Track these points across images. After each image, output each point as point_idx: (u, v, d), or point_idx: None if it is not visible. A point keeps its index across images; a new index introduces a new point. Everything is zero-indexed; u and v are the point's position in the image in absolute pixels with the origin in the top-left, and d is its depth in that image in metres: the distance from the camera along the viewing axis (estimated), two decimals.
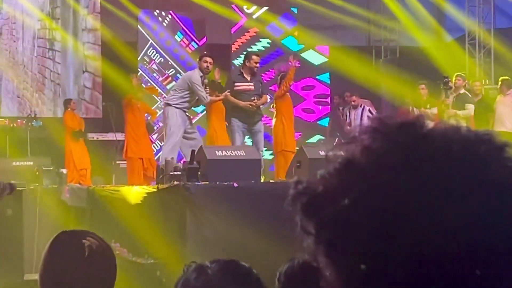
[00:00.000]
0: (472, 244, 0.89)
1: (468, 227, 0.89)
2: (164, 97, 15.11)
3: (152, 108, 15.90)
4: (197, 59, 12.33)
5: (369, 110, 14.90)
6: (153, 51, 17.98)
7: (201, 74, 11.64)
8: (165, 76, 18.06)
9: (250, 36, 18.09)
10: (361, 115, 14.82)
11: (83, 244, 2.68)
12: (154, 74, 17.99)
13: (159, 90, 17.40)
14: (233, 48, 17.98)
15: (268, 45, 18.06)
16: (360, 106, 14.95)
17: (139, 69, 17.46)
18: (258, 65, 12.08)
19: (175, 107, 11.64)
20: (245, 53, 13.27)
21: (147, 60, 18.00)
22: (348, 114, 15.05)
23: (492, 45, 17.34)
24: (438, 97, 13.82)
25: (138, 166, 13.64)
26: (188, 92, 11.62)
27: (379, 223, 0.91)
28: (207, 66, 11.64)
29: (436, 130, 0.96)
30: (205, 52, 13.01)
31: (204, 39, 18.00)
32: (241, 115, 12.06)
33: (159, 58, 17.98)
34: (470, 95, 13.78)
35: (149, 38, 17.85)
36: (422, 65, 16.37)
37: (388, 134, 0.95)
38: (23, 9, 18.04)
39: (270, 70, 17.05)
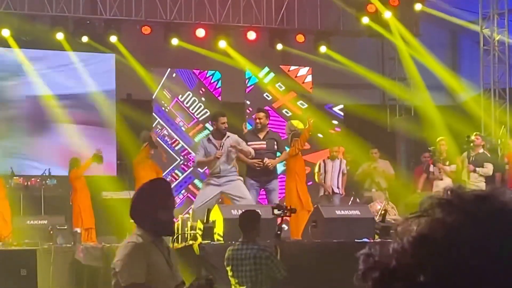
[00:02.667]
0: None
1: None
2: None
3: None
4: (212, 121, 12.27)
5: (346, 164, 14.90)
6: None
7: (211, 137, 11.79)
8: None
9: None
10: (339, 167, 14.66)
11: None
12: (177, 120, 16.50)
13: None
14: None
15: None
16: (338, 159, 14.84)
17: (154, 114, 16.55)
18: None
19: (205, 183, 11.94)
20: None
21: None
22: (324, 165, 14.81)
23: (508, 103, 17.32)
24: (457, 155, 13.77)
25: None
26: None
27: None
28: (226, 127, 11.72)
29: None
30: (219, 111, 12.76)
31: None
32: (255, 173, 12.10)
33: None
34: (489, 155, 13.71)
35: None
36: (437, 124, 16.38)
37: (463, 207, 0.90)
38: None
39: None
